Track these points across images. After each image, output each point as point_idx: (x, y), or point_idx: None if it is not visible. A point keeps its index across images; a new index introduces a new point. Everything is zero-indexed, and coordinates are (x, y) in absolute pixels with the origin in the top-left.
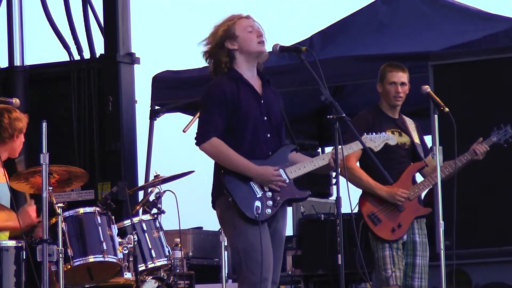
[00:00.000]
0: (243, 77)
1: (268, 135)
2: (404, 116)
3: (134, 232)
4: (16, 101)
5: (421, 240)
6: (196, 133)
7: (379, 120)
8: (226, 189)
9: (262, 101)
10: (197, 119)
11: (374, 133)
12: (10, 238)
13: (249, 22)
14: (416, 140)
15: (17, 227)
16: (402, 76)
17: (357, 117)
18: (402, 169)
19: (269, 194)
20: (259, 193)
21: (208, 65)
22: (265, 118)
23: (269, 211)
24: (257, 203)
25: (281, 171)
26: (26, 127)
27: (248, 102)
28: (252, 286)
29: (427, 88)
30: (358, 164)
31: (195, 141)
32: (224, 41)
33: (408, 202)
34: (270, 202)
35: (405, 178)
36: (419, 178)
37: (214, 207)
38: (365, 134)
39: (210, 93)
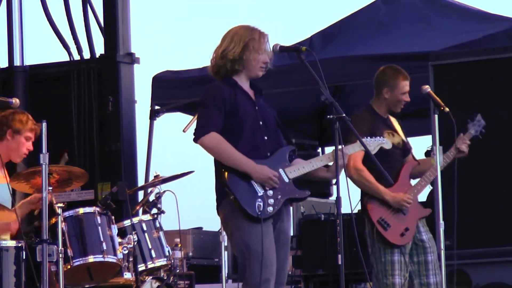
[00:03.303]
0: (238, 84)
1: (266, 138)
2: (389, 116)
3: (134, 232)
4: (16, 101)
5: (428, 237)
6: (195, 128)
7: (376, 121)
8: (227, 187)
9: (256, 107)
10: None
11: (369, 138)
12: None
13: (263, 44)
14: (404, 138)
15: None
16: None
17: (357, 118)
18: (399, 169)
19: (270, 193)
20: (260, 192)
21: (210, 64)
22: (261, 122)
23: (270, 209)
24: (259, 202)
25: (281, 171)
26: (28, 132)
27: (245, 106)
28: (254, 287)
29: (427, 88)
30: None
31: (194, 136)
32: (248, 51)
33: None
34: (271, 201)
35: (403, 178)
36: None
37: (218, 212)
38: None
39: (209, 92)
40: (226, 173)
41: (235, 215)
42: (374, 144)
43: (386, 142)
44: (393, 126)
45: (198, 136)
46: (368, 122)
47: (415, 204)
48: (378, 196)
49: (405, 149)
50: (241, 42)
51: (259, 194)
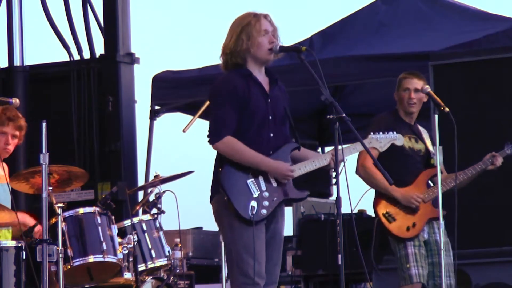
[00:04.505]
0: (253, 75)
1: (271, 135)
2: (418, 125)
3: (134, 232)
4: (16, 101)
5: (442, 240)
6: (208, 131)
7: (398, 124)
8: (222, 187)
9: (269, 100)
10: (197, 118)
11: (381, 133)
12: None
13: (265, 24)
14: (430, 148)
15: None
16: (417, 83)
17: (379, 118)
18: (417, 174)
19: (266, 194)
20: (256, 193)
21: (220, 62)
22: (270, 117)
23: (264, 211)
24: (253, 203)
25: None
26: (8, 129)
27: (257, 100)
28: None
29: (427, 88)
30: None
31: (208, 139)
32: (240, 40)
33: (423, 203)
34: (266, 203)
35: (420, 182)
36: None
37: (211, 202)
38: (371, 133)
39: (221, 88)
40: (223, 172)
41: (228, 213)
42: (385, 140)
43: (398, 138)
44: (420, 134)
45: (212, 142)
46: (388, 121)
47: (428, 204)
48: (387, 193)
49: (428, 158)
50: (234, 34)
51: (254, 196)
